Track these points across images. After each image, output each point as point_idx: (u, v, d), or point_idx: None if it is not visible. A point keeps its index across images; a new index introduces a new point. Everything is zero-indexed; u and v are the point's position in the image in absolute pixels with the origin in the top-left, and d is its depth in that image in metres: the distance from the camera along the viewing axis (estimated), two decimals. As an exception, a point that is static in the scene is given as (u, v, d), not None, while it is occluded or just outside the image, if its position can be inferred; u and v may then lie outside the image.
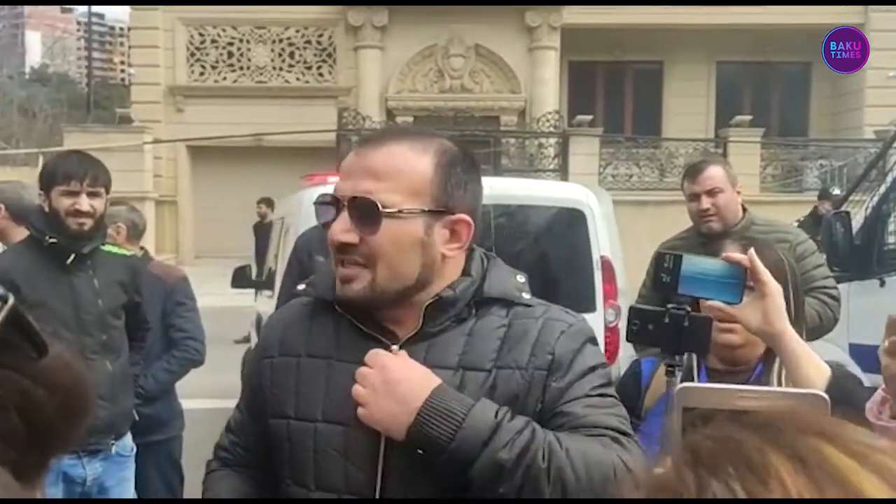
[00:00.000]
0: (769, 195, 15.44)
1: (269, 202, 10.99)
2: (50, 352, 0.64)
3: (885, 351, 1.27)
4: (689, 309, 1.61)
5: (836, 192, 13.42)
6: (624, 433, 1.30)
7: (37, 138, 26.40)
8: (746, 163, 15.84)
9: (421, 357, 1.29)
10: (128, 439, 3.00)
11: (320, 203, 1.32)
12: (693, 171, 3.34)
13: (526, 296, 1.40)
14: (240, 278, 6.36)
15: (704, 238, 3.33)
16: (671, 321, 1.58)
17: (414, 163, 1.29)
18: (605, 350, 4.45)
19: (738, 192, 3.32)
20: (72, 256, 2.77)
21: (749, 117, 17.04)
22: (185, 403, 6.28)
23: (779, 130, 19.73)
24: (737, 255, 1.55)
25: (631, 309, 1.69)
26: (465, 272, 1.36)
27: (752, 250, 1.57)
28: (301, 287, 1.43)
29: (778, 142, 18.09)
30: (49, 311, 2.66)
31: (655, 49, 20.09)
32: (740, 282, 1.53)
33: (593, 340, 1.40)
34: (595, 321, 4.42)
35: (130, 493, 3.04)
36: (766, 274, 1.54)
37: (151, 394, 3.31)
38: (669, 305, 1.60)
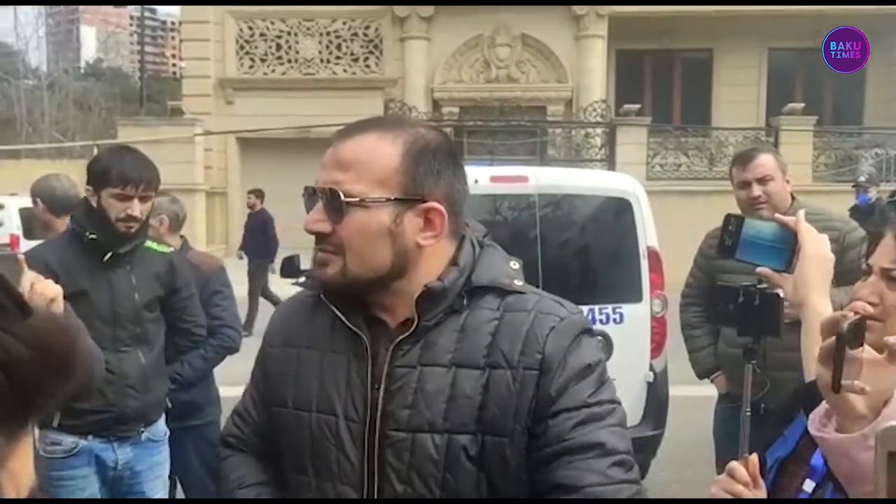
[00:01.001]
0: (822, 185, 15.13)
1: (258, 193, 11.63)
2: (44, 315, 0.67)
3: (818, 359, 1.16)
4: (761, 286, 1.56)
5: (863, 179, 13.13)
6: (613, 451, 1.27)
7: (92, 131, 27.03)
8: (799, 152, 15.53)
9: (415, 357, 1.30)
10: (160, 425, 3.05)
11: (306, 195, 1.36)
12: (743, 159, 3.33)
13: (518, 283, 1.36)
14: (288, 268, 6.43)
15: None
16: (745, 299, 1.55)
17: (380, 152, 1.30)
18: (652, 341, 4.43)
19: (787, 181, 3.30)
20: (109, 255, 2.82)
21: (802, 105, 16.69)
22: (233, 391, 6.35)
23: (832, 118, 19.30)
24: (786, 218, 1.52)
25: (715, 288, 1.66)
26: (454, 261, 1.34)
27: (801, 212, 1.55)
28: (301, 280, 1.48)
29: (831, 130, 17.71)
30: (86, 303, 2.72)
31: (705, 37, 19.78)
32: (789, 248, 1.49)
33: (589, 332, 1.36)
34: (641, 311, 4.40)
35: (163, 477, 3.09)
36: (808, 238, 1.49)
37: (187, 381, 3.38)
38: (745, 283, 1.57)
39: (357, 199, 1.27)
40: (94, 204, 2.81)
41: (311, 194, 1.33)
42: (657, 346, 4.46)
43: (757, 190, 3.22)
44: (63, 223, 3.54)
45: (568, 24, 18.18)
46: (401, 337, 1.31)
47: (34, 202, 3.76)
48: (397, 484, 1.28)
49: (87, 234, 2.80)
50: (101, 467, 2.87)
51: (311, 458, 1.35)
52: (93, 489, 2.86)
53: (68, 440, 2.80)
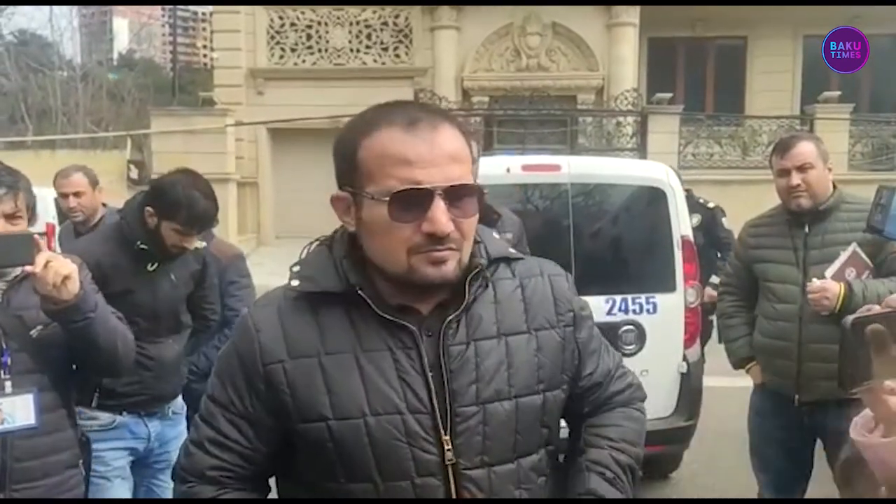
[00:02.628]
0: (858, 174, 14.89)
1: None
2: None
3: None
4: None
5: None
6: (618, 367, 1.55)
7: (125, 122, 27.31)
8: (834, 140, 15.26)
9: (465, 334, 1.34)
10: (179, 398, 3.29)
11: (404, 196, 1.26)
12: (784, 147, 3.29)
13: (513, 250, 1.47)
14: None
15: (792, 215, 3.26)
16: None
17: (464, 143, 1.33)
18: (686, 331, 4.40)
19: (829, 169, 3.25)
20: (155, 265, 3.01)
21: (837, 93, 16.40)
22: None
23: (869, 106, 18.94)
24: None
25: None
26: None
27: None
28: (295, 283, 1.36)
29: (868, 118, 17.38)
30: (131, 301, 2.92)
31: (738, 24, 19.48)
32: None
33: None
34: (675, 301, 4.37)
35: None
36: None
37: (203, 370, 3.47)
38: None
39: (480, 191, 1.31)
40: (153, 225, 2.94)
41: (413, 195, 1.25)
42: (691, 336, 4.43)
43: (796, 178, 3.19)
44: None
45: (599, 13, 18.00)
46: (451, 317, 1.33)
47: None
48: (474, 456, 1.31)
49: (139, 243, 2.96)
50: (137, 440, 3.10)
51: (377, 462, 1.29)
52: (124, 461, 3.08)
53: (105, 416, 3.01)
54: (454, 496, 1.30)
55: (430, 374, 1.30)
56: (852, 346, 1.12)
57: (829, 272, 3.13)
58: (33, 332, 2.23)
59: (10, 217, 2.20)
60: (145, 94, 32.55)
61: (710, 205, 6.16)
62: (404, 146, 1.27)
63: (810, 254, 3.21)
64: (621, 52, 17.93)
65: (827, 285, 3.06)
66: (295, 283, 1.37)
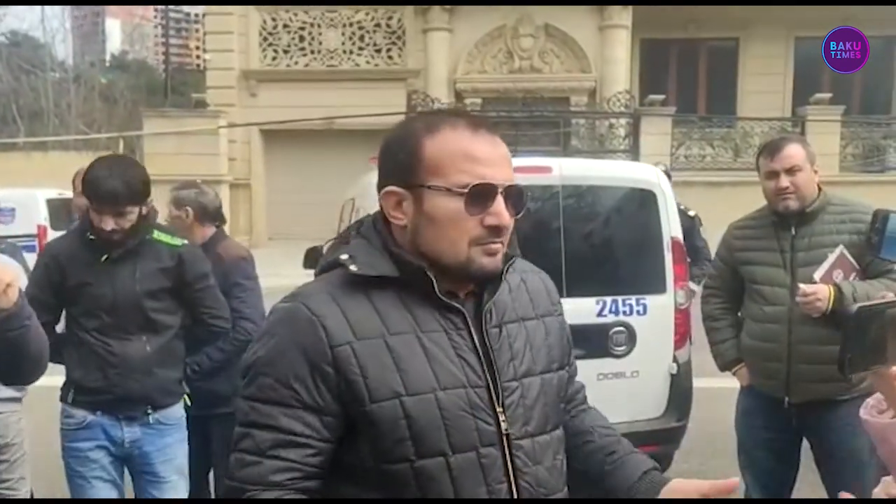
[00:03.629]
0: (849, 175, 14.96)
1: None
2: None
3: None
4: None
5: None
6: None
7: (118, 123, 27.25)
8: (826, 142, 15.33)
9: (496, 318, 1.48)
10: (173, 410, 3.17)
11: (477, 190, 1.38)
12: (772, 149, 3.28)
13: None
14: (311, 259, 6.45)
15: (778, 217, 3.28)
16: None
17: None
18: (676, 333, 4.40)
19: (815, 172, 3.26)
20: (105, 256, 2.97)
21: (829, 95, 16.51)
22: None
23: (860, 108, 19.06)
24: None
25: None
26: None
27: None
28: (353, 268, 1.40)
29: (859, 120, 17.49)
30: (89, 293, 2.93)
31: (731, 26, 19.58)
32: None
33: None
34: (665, 303, 4.37)
35: (176, 461, 3.20)
36: None
37: (205, 371, 3.45)
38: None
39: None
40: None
41: (500, 192, 1.40)
42: (681, 337, 4.43)
43: (785, 181, 3.19)
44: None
45: (592, 14, 18.06)
46: (488, 303, 1.46)
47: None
48: (520, 427, 1.43)
49: (88, 234, 2.98)
50: (111, 442, 3.05)
51: (448, 434, 1.36)
52: (103, 462, 3.05)
53: (79, 413, 3.01)
54: (510, 465, 1.41)
55: (481, 352, 1.42)
56: (856, 333, 1.16)
57: (818, 274, 3.14)
58: None
59: None
60: (138, 96, 32.50)
61: (691, 213, 6.15)
62: (473, 145, 1.40)
63: (797, 256, 3.21)
64: (614, 53, 17.99)
65: (817, 288, 3.07)
66: (353, 267, 1.40)
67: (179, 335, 3.19)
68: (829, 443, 3.25)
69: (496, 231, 1.39)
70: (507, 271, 1.48)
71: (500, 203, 1.39)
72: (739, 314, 3.51)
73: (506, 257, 1.47)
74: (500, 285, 1.47)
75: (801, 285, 3.11)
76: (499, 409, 1.41)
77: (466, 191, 1.37)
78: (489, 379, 1.41)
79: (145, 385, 3.03)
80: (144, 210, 3.05)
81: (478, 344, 1.42)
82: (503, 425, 1.40)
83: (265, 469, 1.33)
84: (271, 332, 1.40)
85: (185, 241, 3.25)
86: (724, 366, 3.60)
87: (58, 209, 13.00)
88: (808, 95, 16.60)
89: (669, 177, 4.81)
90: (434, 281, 1.40)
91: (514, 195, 1.42)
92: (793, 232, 3.23)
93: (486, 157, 1.40)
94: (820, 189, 3.27)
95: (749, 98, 19.91)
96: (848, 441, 3.10)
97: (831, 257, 3.14)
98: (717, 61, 20.40)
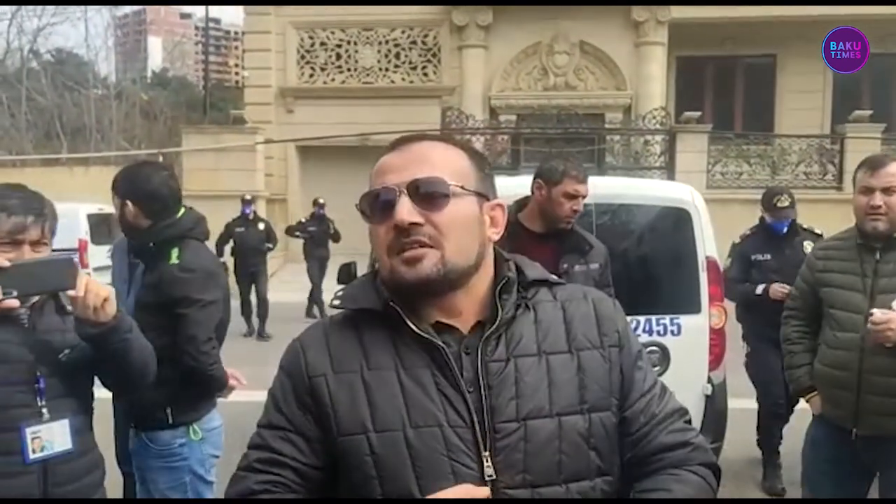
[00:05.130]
0: (891, 194, 14.67)
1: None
2: None
3: None
4: None
5: None
6: (684, 411, 1.48)
7: (157, 139, 27.74)
8: (866, 160, 15.08)
9: (504, 351, 1.35)
10: (157, 434, 3.14)
11: (372, 198, 1.36)
12: (873, 164, 3.11)
13: (553, 276, 1.49)
14: (345, 275, 6.49)
15: (864, 239, 3.12)
16: None
17: (453, 154, 1.40)
18: (710, 353, 4.37)
19: None
20: None
21: (869, 112, 16.23)
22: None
23: (902, 126, 18.73)
24: None
25: None
26: (502, 259, 1.45)
27: None
28: (335, 302, 1.43)
29: (901, 137, 17.17)
30: None
31: (768, 42, 19.41)
32: None
33: None
34: (700, 323, 4.34)
35: (151, 484, 3.19)
36: None
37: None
38: None
39: (456, 184, 1.37)
40: None
41: (379, 199, 1.38)
42: (716, 358, 4.39)
43: (878, 199, 3.02)
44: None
45: (627, 31, 18.03)
46: (487, 333, 1.35)
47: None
48: (515, 474, 1.30)
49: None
50: None
51: (417, 475, 1.28)
52: None
53: None
54: None
55: (468, 391, 1.31)
56: None
57: None
58: (62, 356, 2.24)
59: (35, 244, 2.21)
60: (177, 112, 33.05)
61: (818, 231, 5.44)
62: (384, 160, 1.40)
63: (879, 282, 3.03)
64: (649, 70, 17.92)
65: (891, 316, 2.90)
66: (335, 302, 1.42)
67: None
68: (894, 481, 3.07)
69: (401, 231, 1.31)
70: (499, 295, 1.37)
71: (399, 203, 1.31)
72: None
73: (499, 277, 1.40)
74: (501, 312, 1.36)
75: (875, 311, 2.95)
76: (484, 453, 1.29)
77: (358, 202, 1.38)
78: (475, 420, 1.30)
79: (132, 402, 3.04)
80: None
81: (469, 381, 1.32)
82: (487, 470, 1.28)
83: (250, 480, 1.37)
84: (280, 364, 1.44)
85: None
86: (797, 392, 3.43)
87: (98, 224, 13.24)
88: (848, 112, 16.36)
89: None
90: (402, 312, 1.34)
91: (429, 192, 1.32)
92: (877, 256, 3.06)
93: (388, 166, 1.38)
94: None
95: (787, 115, 19.69)
96: None
97: None
98: (754, 78, 20.22)
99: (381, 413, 1.31)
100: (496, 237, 1.41)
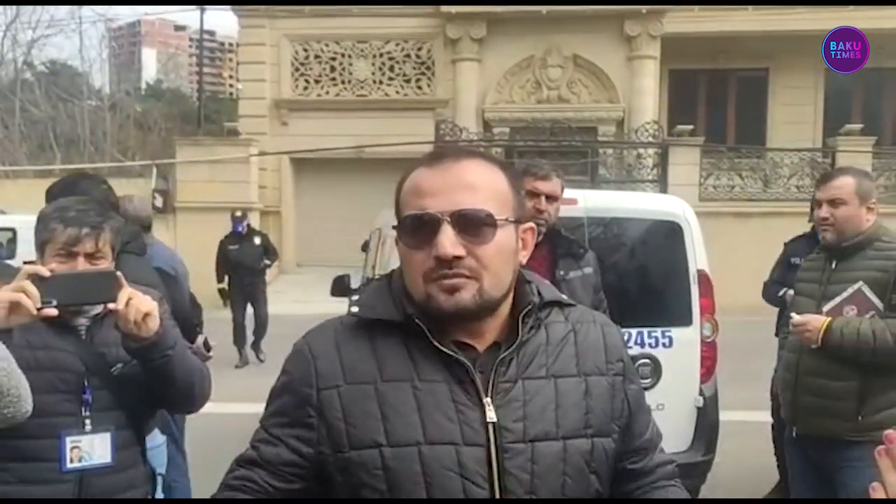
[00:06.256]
0: (882, 206, 14.68)
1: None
2: None
3: None
4: None
5: None
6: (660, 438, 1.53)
7: (151, 151, 27.69)
8: (857, 173, 15.18)
9: (514, 372, 1.34)
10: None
11: (413, 222, 1.31)
12: (823, 178, 3.32)
13: (565, 297, 1.48)
14: (338, 287, 6.50)
15: (825, 250, 3.27)
16: None
17: (495, 176, 1.36)
18: (702, 366, 4.39)
19: (870, 208, 3.18)
20: None
21: (860, 126, 16.38)
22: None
23: (892, 139, 18.89)
24: None
25: None
26: (523, 280, 1.42)
27: None
28: (354, 309, 1.40)
29: (891, 151, 17.31)
30: None
31: (760, 56, 19.55)
32: None
33: None
34: (692, 335, 4.37)
35: None
36: None
37: None
38: None
39: (501, 218, 1.34)
40: None
41: (419, 222, 1.33)
42: (707, 370, 4.42)
43: (825, 211, 3.17)
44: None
45: (620, 45, 18.14)
46: (503, 354, 1.33)
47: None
48: (523, 495, 1.29)
49: None
50: None
51: (428, 493, 1.27)
52: None
53: None
54: None
55: (487, 409, 1.30)
56: None
57: (827, 307, 3.12)
58: (114, 370, 2.26)
59: (90, 256, 2.21)
60: (171, 124, 33.02)
61: None
62: (421, 178, 1.33)
63: (829, 289, 3.17)
64: (642, 84, 18.03)
65: (807, 319, 3.07)
66: (355, 309, 1.39)
67: None
68: (835, 483, 3.15)
69: (443, 263, 1.27)
70: (522, 319, 1.36)
71: (443, 232, 1.27)
72: None
73: (524, 302, 1.38)
74: (521, 335, 1.36)
75: (793, 314, 3.13)
76: (495, 473, 1.28)
77: (397, 223, 1.34)
78: (492, 439, 1.29)
79: None
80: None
81: (484, 401, 1.31)
82: (497, 490, 1.28)
83: (232, 475, 1.39)
84: (285, 365, 1.41)
85: None
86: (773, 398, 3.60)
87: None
88: (839, 126, 16.49)
89: None
90: (428, 331, 1.31)
91: (474, 223, 1.29)
92: (833, 265, 3.20)
93: (429, 187, 1.31)
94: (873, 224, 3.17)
95: (779, 129, 19.82)
96: (851, 484, 3.00)
97: (846, 292, 3.11)
98: (746, 92, 20.35)
99: (395, 427, 1.29)
100: (524, 260, 1.39)
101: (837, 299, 3.12)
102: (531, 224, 1.41)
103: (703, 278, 4.40)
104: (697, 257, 4.38)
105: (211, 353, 3.50)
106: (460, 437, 1.28)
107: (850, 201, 3.15)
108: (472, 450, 1.28)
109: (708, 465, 4.43)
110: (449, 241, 1.27)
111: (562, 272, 3.47)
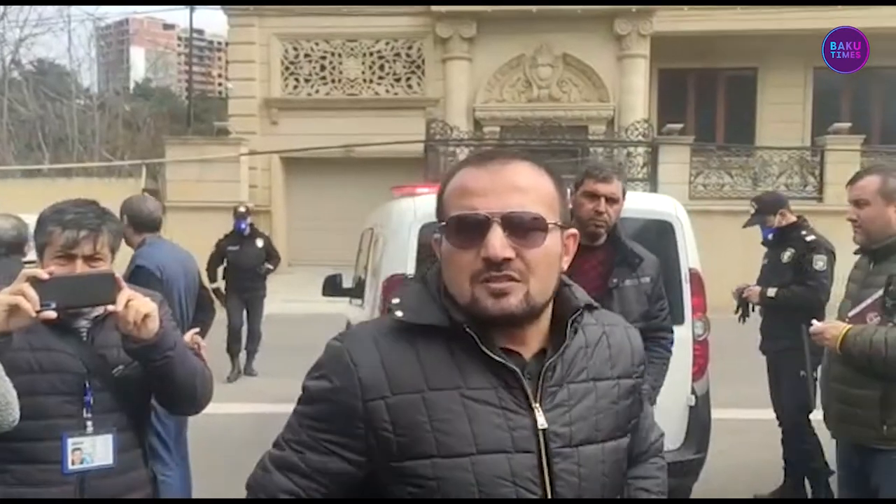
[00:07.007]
0: (870, 205, 14.83)
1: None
2: None
3: None
4: None
5: None
6: (652, 414, 1.64)
7: (140, 150, 27.58)
8: (845, 172, 15.13)
9: (560, 377, 1.35)
10: None
11: (461, 222, 1.29)
12: (851, 179, 3.24)
13: (591, 299, 1.48)
14: (330, 287, 6.47)
15: (863, 251, 3.20)
16: None
17: (543, 180, 1.34)
18: (694, 364, 4.39)
19: None
20: None
21: (848, 124, 16.45)
22: (277, 408, 6.40)
23: (880, 138, 18.96)
24: None
25: None
26: (563, 283, 1.41)
27: None
28: (398, 314, 1.34)
29: (879, 149, 17.37)
30: None
31: (749, 55, 19.62)
32: None
33: None
34: (683, 334, 4.36)
35: None
36: None
37: None
38: None
39: (551, 222, 1.33)
40: None
41: (471, 221, 1.30)
42: (699, 368, 4.42)
43: (853, 213, 3.14)
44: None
45: (610, 44, 18.19)
46: (551, 359, 1.33)
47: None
48: (572, 498, 1.32)
49: None
50: None
51: (483, 499, 1.26)
52: None
53: None
54: None
55: (537, 414, 1.30)
56: None
57: (851, 313, 3.07)
58: (115, 372, 2.26)
59: (89, 259, 2.22)
60: (161, 123, 32.88)
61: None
62: (470, 178, 1.32)
63: (863, 292, 3.09)
64: (632, 83, 18.08)
65: (826, 326, 3.02)
66: (399, 314, 1.34)
67: None
68: (868, 490, 3.10)
69: (492, 264, 1.25)
70: (571, 323, 1.36)
71: (493, 233, 1.25)
72: None
73: (571, 307, 1.37)
74: (568, 340, 1.35)
75: (814, 321, 3.09)
76: (546, 479, 1.29)
77: (445, 223, 1.31)
78: (541, 445, 1.30)
79: None
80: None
81: (534, 406, 1.31)
82: (549, 495, 1.29)
83: (276, 483, 1.34)
84: (320, 368, 1.36)
85: None
86: None
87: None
88: (828, 125, 16.56)
89: None
90: (477, 338, 1.29)
91: (524, 226, 1.27)
92: (870, 267, 3.13)
93: (479, 187, 1.29)
94: None
95: (768, 127, 19.90)
96: (885, 492, 2.97)
97: (871, 298, 3.03)
98: (735, 91, 20.42)
99: (446, 437, 1.27)
100: (566, 266, 1.38)
101: (862, 305, 3.05)
102: (574, 230, 1.39)
103: (695, 277, 4.40)
104: (689, 256, 4.38)
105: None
106: (511, 444, 1.28)
107: (873, 202, 3.09)
108: (523, 457, 1.28)
109: (700, 462, 4.44)
110: (499, 242, 1.25)
111: (615, 280, 3.38)
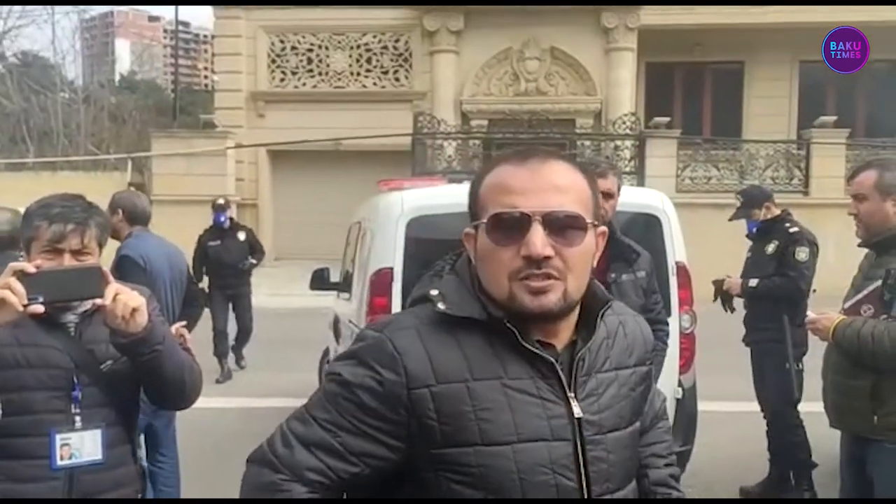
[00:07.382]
0: (855, 198, 14.93)
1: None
2: None
3: None
4: None
5: None
6: (662, 397, 1.71)
7: (126, 143, 27.40)
8: (831, 165, 15.36)
9: (587, 367, 1.39)
10: None
11: (502, 220, 1.31)
12: (851, 173, 3.26)
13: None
14: (317, 281, 6.47)
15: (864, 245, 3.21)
16: None
17: (579, 179, 1.37)
18: (681, 357, 4.41)
19: None
20: None
21: (833, 118, 16.54)
22: (264, 402, 6.38)
23: (865, 131, 19.09)
24: None
25: None
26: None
27: None
28: (441, 306, 1.36)
29: (864, 143, 17.50)
30: None
31: (736, 49, 19.68)
32: None
33: None
34: (670, 327, 4.38)
35: None
36: None
37: None
38: None
39: (588, 221, 1.37)
40: None
41: (512, 219, 1.33)
42: (686, 361, 4.44)
43: (852, 207, 3.16)
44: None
45: (597, 37, 18.19)
46: (582, 350, 1.38)
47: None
48: (602, 484, 1.36)
49: None
50: None
51: (523, 489, 1.30)
52: None
53: None
54: None
55: (573, 404, 1.35)
56: None
57: (847, 304, 3.10)
58: (104, 367, 2.25)
59: (76, 253, 2.21)
60: (147, 116, 32.68)
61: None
62: (509, 176, 1.34)
63: (863, 284, 3.12)
64: (619, 76, 18.09)
65: (819, 317, 3.06)
66: (441, 306, 1.36)
67: None
68: (864, 480, 3.10)
69: (532, 262, 1.28)
70: (602, 315, 1.41)
71: (534, 231, 1.28)
72: None
73: (602, 300, 1.42)
74: (596, 331, 1.40)
75: (809, 312, 3.12)
76: (581, 466, 1.34)
77: (485, 220, 1.33)
78: (577, 433, 1.34)
79: None
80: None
81: (569, 395, 1.35)
82: (584, 481, 1.34)
83: (301, 461, 1.33)
84: (357, 356, 1.36)
85: None
86: None
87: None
88: (814, 118, 16.64)
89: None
90: (517, 332, 1.32)
91: (564, 225, 1.30)
92: (872, 260, 3.16)
93: (519, 186, 1.32)
94: None
95: (754, 121, 19.98)
96: (879, 482, 2.99)
97: (866, 290, 3.06)
98: (722, 84, 20.48)
99: (489, 425, 1.31)
100: (594, 263, 1.41)
101: (857, 297, 3.08)
102: (604, 228, 1.42)
103: (682, 270, 4.42)
104: (676, 249, 4.40)
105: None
106: (549, 432, 1.32)
107: (870, 196, 3.10)
108: (560, 444, 1.33)
109: (687, 455, 4.46)
110: (540, 241, 1.28)
111: (613, 274, 3.46)
